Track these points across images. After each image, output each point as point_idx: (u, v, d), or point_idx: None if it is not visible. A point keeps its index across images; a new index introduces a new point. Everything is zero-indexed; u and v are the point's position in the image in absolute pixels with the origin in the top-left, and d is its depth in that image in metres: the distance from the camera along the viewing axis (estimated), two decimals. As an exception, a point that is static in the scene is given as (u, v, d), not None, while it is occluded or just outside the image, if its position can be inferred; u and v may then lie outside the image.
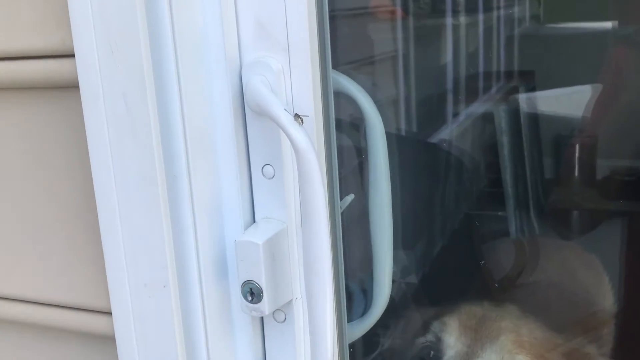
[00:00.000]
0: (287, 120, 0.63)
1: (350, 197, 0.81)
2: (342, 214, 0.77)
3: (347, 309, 0.78)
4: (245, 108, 0.70)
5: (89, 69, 0.65)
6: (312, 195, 0.63)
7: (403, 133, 1.57)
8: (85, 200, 0.73)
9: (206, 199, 0.70)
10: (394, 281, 0.89)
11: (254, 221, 0.73)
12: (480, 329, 1.01)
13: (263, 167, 0.71)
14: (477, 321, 1.03)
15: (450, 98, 1.90)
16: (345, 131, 0.96)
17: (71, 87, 0.69)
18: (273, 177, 0.71)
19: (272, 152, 0.70)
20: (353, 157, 1.00)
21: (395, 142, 1.29)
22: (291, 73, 0.68)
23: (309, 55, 0.66)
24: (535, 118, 1.97)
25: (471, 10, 2.03)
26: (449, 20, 1.87)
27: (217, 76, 0.68)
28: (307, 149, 0.62)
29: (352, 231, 0.97)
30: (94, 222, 0.72)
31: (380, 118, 0.83)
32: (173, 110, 0.65)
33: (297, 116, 0.63)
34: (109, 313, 0.71)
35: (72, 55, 0.66)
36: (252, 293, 0.69)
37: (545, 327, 1.06)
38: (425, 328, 1.07)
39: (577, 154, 1.97)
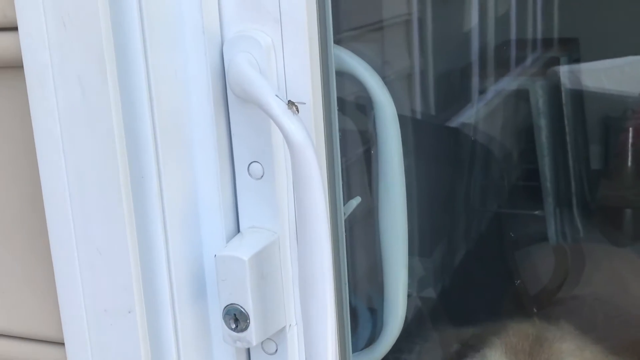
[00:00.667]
0: (278, 108, 0.63)
1: (356, 201, 0.81)
2: (346, 221, 0.77)
3: (352, 335, 0.78)
4: (227, 93, 0.70)
5: (35, 45, 0.64)
6: (310, 199, 0.63)
7: (419, 117, 1.58)
8: (32, 208, 0.73)
9: (180, 204, 0.69)
10: (409, 296, 0.89)
11: (239, 231, 0.73)
12: (536, 352, 1.00)
13: (249, 165, 0.71)
14: (531, 343, 1.01)
15: (475, 72, 1.90)
16: (349, 119, 0.96)
17: (13, 67, 0.68)
18: (262, 177, 0.71)
19: (260, 146, 0.70)
20: (359, 150, 1.00)
21: (410, 128, 1.30)
22: (284, 50, 0.67)
23: (305, 27, 0.66)
24: (579, 96, 1.97)
25: (501, -37, 2.03)
26: (473, -24, 1.87)
27: (193, 55, 0.68)
28: (304, 143, 0.62)
29: (358, 240, 0.97)
30: (42, 233, 0.71)
31: (391, 102, 0.83)
32: (139, 96, 0.65)
33: (290, 103, 0.63)
34: (62, 343, 0.71)
35: (15, 29, 0.65)
36: (237, 319, 0.69)
37: (605, 350, 1.06)
38: (462, 353, 1.07)
39: (630, 140, 1.96)
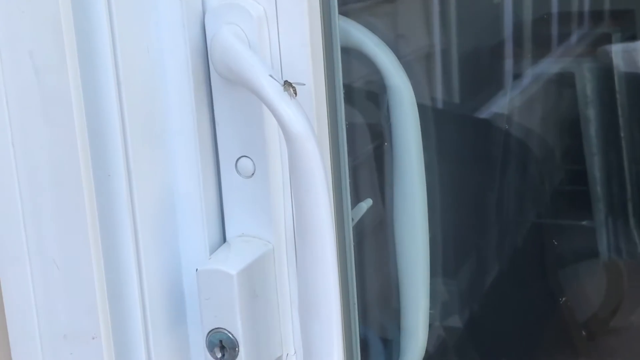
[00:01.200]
0: (272, 90, 0.64)
1: (366, 204, 0.82)
2: (355, 228, 0.78)
3: (363, 369, 0.79)
4: (210, 74, 0.70)
5: (-23, 16, 0.65)
6: (311, 202, 0.64)
7: (441, 105, 1.59)
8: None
9: (154, 208, 0.70)
10: (430, 325, 0.90)
11: (225, 241, 0.73)
12: None
13: (238, 160, 0.71)
14: None
15: (509, 52, 1.90)
16: (358, 107, 0.97)
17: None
18: (252, 174, 0.71)
19: (250, 138, 0.71)
20: (371, 143, 1.01)
21: (431, 119, 1.30)
22: (278, 21, 0.68)
23: (304, -7, 0.67)
24: (636, 80, 1.97)
25: None
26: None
27: (168, 27, 0.69)
28: (303, 133, 0.63)
29: (369, 252, 0.97)
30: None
31: (409, 86, 0.84)
32: (104, 77, 0.66)
33: (287, 85, 0.64)
34: (11, 377, 0.72)
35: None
36: (223, 347, 0.69)
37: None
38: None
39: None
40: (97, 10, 0.65)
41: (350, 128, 0.78)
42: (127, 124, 0.67)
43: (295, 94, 0.64)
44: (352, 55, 0.82)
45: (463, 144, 1.56)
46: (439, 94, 1.58)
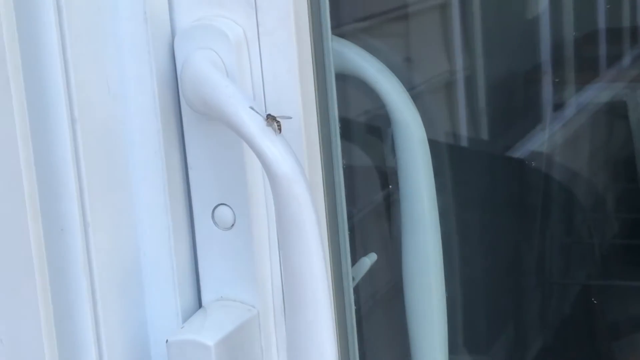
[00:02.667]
0: (254, 125, 0.66)
1: (370, 259, 0.83)
2: (356, 289, 0.79)
3: None
4: (181, 107, 0.73)
5: None
6: (303, 258, 0.66)
7: (462, 143, 1.59)
8: None
9: (116, 268, 0.72)
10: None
11: (200, 305, 0.75)
12: None
13: (215, 209, 0.74)
14: None
15: (547, 78, 1.90)
16: (358, 143, 0.98)
17: None
18: (232, 226, 0.73)
19: (229, 182, 0.73)
20: (373, 188, 1.02)
21: (448, 160, 1.29)
22: (260, 44, 0.71)
23: (291, 13, 0.70)
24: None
25: None
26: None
27: (131, 53, 0.71)
28: (291, 174, 0.65)
29: (375, 319, 0.98)
30: None
31: (419, 121, 0.86)
32: (56, 115, 0.68)
33: (271, 119, 0.66)
34: None
35: None
36: None
37: None
38: None
39: None
40: (46, 35, 0.67)
41: (349, 170, 0.80)
42: (82, 168, 0.69)
43: (280, 129, 0.66)
44: (350, 83, 0.84)
45: (491, 189, 1.55)
46: (461, 129, 1.58)
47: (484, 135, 1.69)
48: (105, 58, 0.71)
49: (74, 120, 0.69)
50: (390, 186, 0.88)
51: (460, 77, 1.60)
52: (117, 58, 0.72)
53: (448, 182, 1.15)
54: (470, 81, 1.61)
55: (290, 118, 0.69)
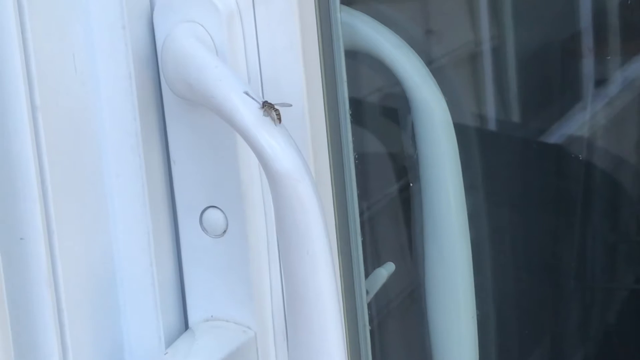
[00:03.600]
0: (249, 114, 0.65)
1: (387, 270, 0.82)
2: (371, 304, 0.78)
3: None
4: (162, 92, 0.72)
5: None
6: (308, 269, 0.65)
7: (491, 127, 1.59)
8: None
9: (85, 284, 0.71)
10: None
11: (187, 327, 0.74)
12: None
13: (203, 212, 0.73)
14: None
15: (587, 49, 1.91)
16: (371, 131, 0.98)
17: None
18: (224, 232, 0.72)
19: (220, 181, 0.72)
20: (390, 183, 1.02)
21: (477, 146, 1.30)
22: (256, 17, 0.70)
23: (291, -23, 0.69)
24: None
25: None
26: None
27: (102, 28, 0.70)
28: (293, 171, 0.64)
29: (393, 340, 0.97)
30: None
31: (441, 99, 0.85)
32: (13, 101, 0.66)
33: (268, 106, 0.65)
34: None
35: None
36: None
37: None
38: None
39: None
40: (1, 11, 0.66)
41: (361, 164, 0.79)
42: (45, 165, 0.68)
43: (279, 118, 0.65)
44: (361, 61, 0.84)
45: (524, 181, 1.56)
46: (489, 110, 1.58)
47: (515, 117, 1.69)
48: (71, 34, 0.70)
49: (35, 108, 0.67)
50: (411, 183, 0.87)
51: (486, 49, 1.60)
52: (85, 34, 0.70)
53: (476, 175, 1.14)
54: (497, 54, 1.62)
55: (291, 105, 0.68)
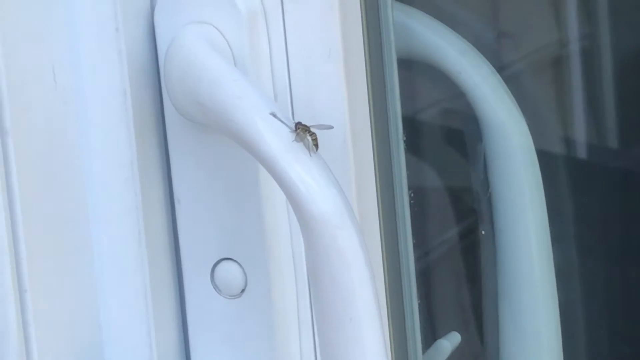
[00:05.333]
0: (276, 141, 0.65)
1: (451, 342, 0.82)
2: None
3: None
4: (165, 112, 0.73)
5: None
6: (350, 344, 0.65)
7: (582, 153, 1.58)
8: None
9: (65, 357, 0.71)
10: None
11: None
12: None
13: (215, 266, 0.73)
14: None
15: None
16: (430, 161, 0.97)
17: None
18: (242, 292, 0.73)
19: (237, 226, 0.72)
20: (453, 226, 1.01)
21: (565, 180, 1.28)
22: (285, 17, 0.70)
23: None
24: None
25: None
26: None
27: (90, 32, 0.71)
28: (333, 216, 0.64)
29: None
30: None
31: (521, 120, 0.85)
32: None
33: (302, 129, 0.65)
34: None
35: None
36: None
37: None
38: None
39: None
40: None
41: (418, 203, 0.79)
42: (17, 205, 0.68)
43: (316, 146, 0.65)
44: (418, 72, 0.84)
45: (629, 226, 1.55)
46: (580, 133, 1.58)
47: (614, 142, 1.69)
48: (50, 39, 0.71)
49: (4, 132, 0.68)
50: (482, 231, 0.86)
51: (575, 47, 1.60)
52: (68, 39, 0.71)
53: (565, 219, 1.14)
54: (590, 57, 1.61)
55: (332, 128, 0.68)
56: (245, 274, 0.73)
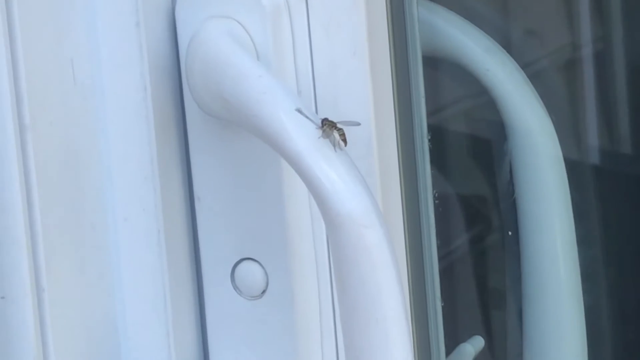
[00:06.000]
0: (302, 138, 0.65)
1: (474, 346, 0.82)
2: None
3: None
4: (185, 108, 0.73)
5: None
6: (376, 342, 0.64)
7: (612, 161, 1.57)
8: None
9: (84, 356, 0.72)
10: None
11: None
12: None
13: (236, 266, 0.73)
14: None
15: None
16: (454, 163, 0.97)
17: None
18: (263, 293, 0.73)
19: (259, 225, 0.72)
20: (479, 231, 1.01)
21: (592, 186, 1.27)
22: (309, 13, 0.71)
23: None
24: None
25: None
26: None
27: (109, 27, 0.71)
28: (361, 216, 0.64)
29: None
30: None
31: (549, 123, 0.86)
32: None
33: (328, 126, 0.65)
34: None
35: None
36: None
37: None
38: None
39: None
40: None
41: (442, 204, 0.79)
42: (35, 202, 0.69)
43: (345, 142, 0.66)
44: (443, 71, 0.84)
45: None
46: (597, 138, 1.57)
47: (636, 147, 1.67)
48: (70, 34, 0.71)
49: (24, 127, 0.68)
50: (509, 232, 0.86)
51: (587, 54, 1.59)
52: (88, 34, 0.71)
53: (591, 225, 1.13)
54: (624, 56, 1.60)
55: (359, 125, 0.68)
56: (266, 274, 0.73)
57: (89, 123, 0.72)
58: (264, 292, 0.73)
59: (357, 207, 0.64)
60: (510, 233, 0.87)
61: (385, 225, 0.65)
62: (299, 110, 0.65)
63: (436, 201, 0.77)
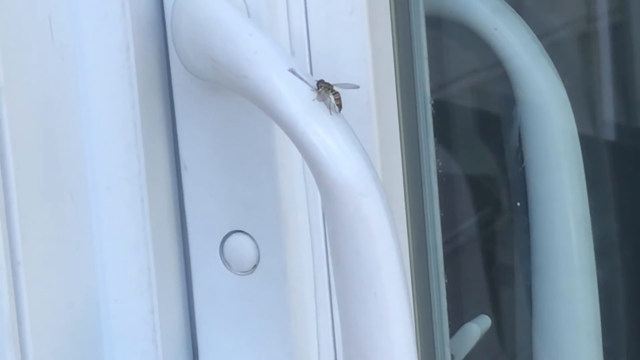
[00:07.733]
0: (295, 100, 0.65)
1: (480, 325, 0.82)
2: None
3: None
4: (171, 68, 0.73)
5: None
6: (374, 318, 0.64)
7: (616, 135, 1.58)
8: None
9: (60, 335, 0.72)
10: None
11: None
12: None
13: (225, 238, 0.73)
14: None
15: None
16: (459, 131, 0.97)
17: None
18: (254, 267, 0.73)
19: (250, 195, 0.72)
20: (487, 205, 1.01)
21: (608, 160, 1.28)
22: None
23: None
24: None
25: None
26: None
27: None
28: (358, 184, 0.64)
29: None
30: None
31: (564, 95, 0.85)
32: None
33: (324, 88, 0.65)
34: None
35: None
36: None
37: None
38: None
39: None
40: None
41: (446, 173, 0.79)
42: (10, 169, 0.68)
43: (340, 106, 0.65)
44: (448, 32, 0.84)
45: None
46: (614, 114, 1.57)
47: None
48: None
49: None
50: (518, 203, 0.86)
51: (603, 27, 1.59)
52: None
53: (606, 197, 1.13)
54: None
55: (357, 87, 0.68)
56: (257, 247, 0.73)
57: (67, 85, 0.72)
58: (255, 266, 0.73)
59: (354, 174, 0.64)
60: (519, 204, 0.87)
61: (384, 194, 0.65)
62: (293, 71, 0.65)
63: (440, 170, 0.76)
